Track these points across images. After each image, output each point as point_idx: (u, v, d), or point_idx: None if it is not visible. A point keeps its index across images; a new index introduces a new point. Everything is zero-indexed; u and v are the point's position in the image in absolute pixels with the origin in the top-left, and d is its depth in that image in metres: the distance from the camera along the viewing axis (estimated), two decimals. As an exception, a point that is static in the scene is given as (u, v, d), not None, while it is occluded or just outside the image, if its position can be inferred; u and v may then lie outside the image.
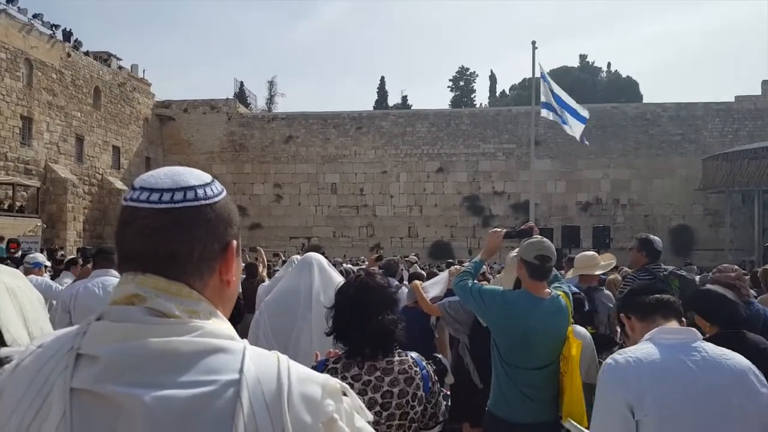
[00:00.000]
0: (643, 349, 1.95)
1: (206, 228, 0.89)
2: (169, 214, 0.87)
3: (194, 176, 0.92)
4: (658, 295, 2.18)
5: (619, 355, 1.96)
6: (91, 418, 0.78)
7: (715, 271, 4.64)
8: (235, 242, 0.94)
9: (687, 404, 1.84)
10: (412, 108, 42.13)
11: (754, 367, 1.95)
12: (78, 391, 0.79)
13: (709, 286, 3.24)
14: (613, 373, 1.92)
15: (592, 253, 5.52)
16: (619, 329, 3.99)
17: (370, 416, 0.97)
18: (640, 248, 4.58)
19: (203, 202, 0.89)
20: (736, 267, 4.61)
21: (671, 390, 1.84)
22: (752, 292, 4.57)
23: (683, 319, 2.13)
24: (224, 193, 0.94)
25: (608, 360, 1.98)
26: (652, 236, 4.67)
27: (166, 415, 0.77)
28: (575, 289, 4.76)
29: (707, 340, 2.70)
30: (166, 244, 0.87)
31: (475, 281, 3.35)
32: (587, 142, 15.68)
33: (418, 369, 2.09)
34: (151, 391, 0.77)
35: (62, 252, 17.63)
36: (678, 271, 4.62)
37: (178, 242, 0.87)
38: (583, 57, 50.77)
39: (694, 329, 2.04)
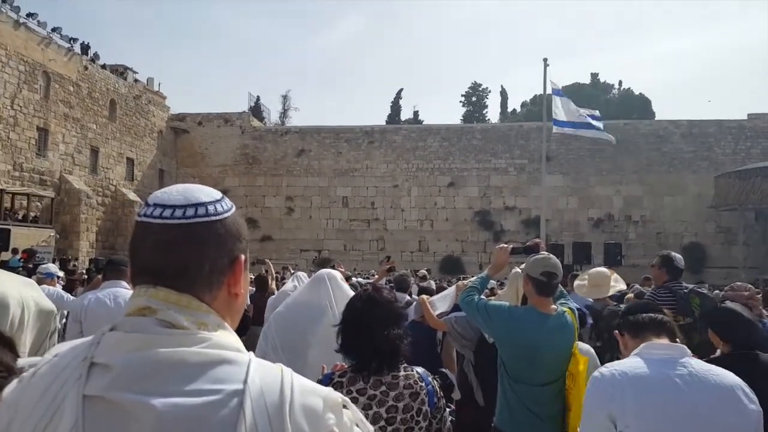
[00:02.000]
0: (630, 362, 2.00)
1: (216, 242, 0.93)
2: (180, 229, 0.91)
3: (205, 193, 0.96)
4: (651, 314, 2.21)
5: (606, 368, 2.00)
6: (103, 423, 0.82)
7: (728, 289, 4.59)
8: (243, 256, 0.97)
9: (669, 417, 1.85)
10: (423, 123, 42.28)
11: (743, 384, 1.96)
12: (91, 398, 0.82)
13: (728, 303, 3.22)
14: (598, 385, 1.97)
15: (605, 270, 5.46)
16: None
17: (371, 429, 0.99)
18: (661, 265, 4.53)
19: (213, 217, 0.93)
20: (749, 285, 4.57)
21: (653, 403, 1.86)
22: (765, 311, 4.52)
23: (677, 339, 2.14)
24: (233, 209, 0.98)
25: (595, 373, 2.02)
26: (673, 254, 4.59)
27: (174, 422, 0.80)
28: (580, 306, 4.75)
29: (719, 358, 2.70)
30: (178, 258, 0.90)
31: (482, 297, 3.36)
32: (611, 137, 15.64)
33: (423, 384, 2.09)
34: (160, 398, 0.80)
35: (74, 263, 17.78)
36: (699, 289, 4.56)
37: (189, 256, 0.91)
38: (594, 75, 50.74)
39: (683, 346, 2.06)
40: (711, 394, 1.89)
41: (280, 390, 0.86)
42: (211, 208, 0.94)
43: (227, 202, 0.97)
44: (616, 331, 2.34)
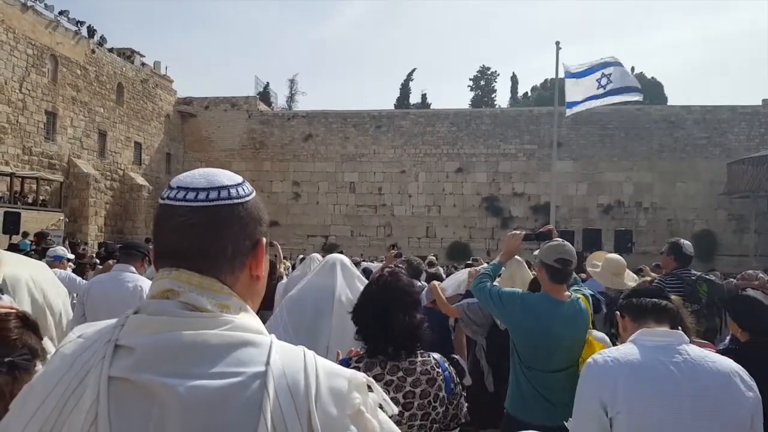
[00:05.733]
0: (624, 349, 2.00)
1: (239, 225, 0.94)
2: (204, 211, 0.92)
3: (227, 177, 0.97)
4: (656, 300, 2.19)
5: (599, 355, 2.01)
6: (128, 404, 0.83)
7: (739, 278, 4.55)
8: (264, 239, 0.98)
9: (661, 404, 1.84)
10: (431, 107, 42.01)
11: (741, 370, 1.94)
12: (116, 379, 0.83)
13: (749, 291, 3.19)
14: (590, 371, 1.98)
15: (620, 257, 5.43)
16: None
17: (395, 409, 0.99)
18: (669, 252, 4.59)
19: (236, 200, 0.94)
20: (760, 274, 4.53)
21: (645, 389, 1.86)
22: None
23: (678, 327, 2.13)
24: (254, 193, 0.99)
25: (588, 360, 2.03)
26: (682, 241, 4.63)
27: (198, 404, 0.80)
28: (594, 292, 4.71)
29: (741, 346, 2.67)
30: (201, 240, 0.91)
31: (494, 284, 3.33)
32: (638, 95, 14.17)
33: (440, 370, 2.09)
34: (184, 381, 0.81)
35: (84, 246, 17.87)
36: (707, 276, 4.57)
37: (213, 238, 0.92)
38: (609, 59, 50.09)
39: (681, 333, 2.04)
40: (707, 381, 1.87)
41: (304, 372, 0.86)
42: (233, 191, 0.95)
43: (248, 186, 0.99)
44: (617, 312, 2.34)
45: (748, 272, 4.56)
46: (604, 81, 13.62)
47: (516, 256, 4.13)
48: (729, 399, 1.86)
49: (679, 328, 2.14)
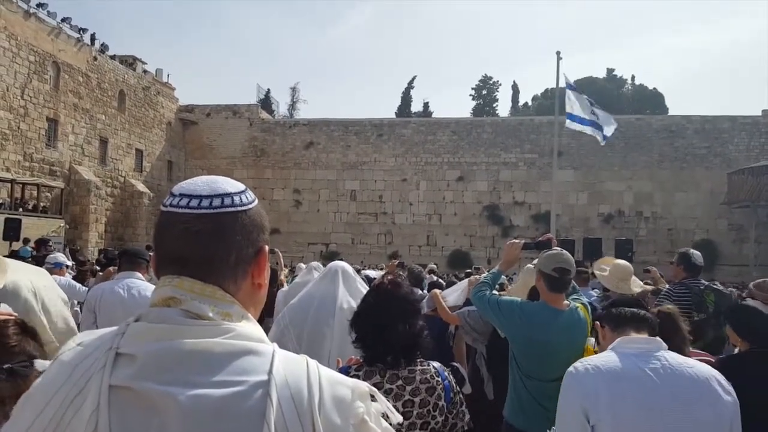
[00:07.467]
0: (603, 357, 2.02)
1: (242, 233, 0.93)
2: (207, 218, 0.91)
3: (230, 184, 0.96)
4: (634, 309, 2.23)
5: (580, 363, 2.03)
6: (129, 413, 0.82)
7: (753, 287, 4.52)
8: (266, 247, 0.98)
9: (641, 411, 1.86)
10: (433, 115, 42.10)
11: (718, 375, 1.97)
12: (117, 388, 0.82)
13: (748, 300, 3.19)
14: (572, 379, 1.99)
15: (627, 264, 5.45)
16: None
17: (400, 418, 0.99)
18: (678, 262, 4.64)
19: (239, 208, 0.93)
20: None
21: (626, 396, 1.88)
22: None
23: (657, 337, 2.15)
24: (256, 200, 0.99)
25: (569, 368, 2.04)
26: (692, 251, 4.68)
27: (200, 414, 0.80)
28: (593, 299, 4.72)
29: (738, 355, 2.67)
30: (205, 247, 0.90)
31: (494, 292, 3.33)
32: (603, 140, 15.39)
33: (439, 379, 2.08)
34: (186, 390, 0.80)
35: (88, 258, 17.84)
36: (715, 286, 4.59)
37: (216, 246, 0.91)
38: (610, 70, 50.29)
39: (659, 339, 2.06)
40: (685, 387, 1.90)
41: (307, 381, 0.86)
42: (236, 198, 0.94)
43: (251, 194, 0.98)
44: (597, 323, 2.38)
45: (765, 282, 4.49)
46: (593, 113, 14.26)
47: (531, 265, 4.14)
48: (706, 403, 1.88)
49: (659, 337, 2.16)
